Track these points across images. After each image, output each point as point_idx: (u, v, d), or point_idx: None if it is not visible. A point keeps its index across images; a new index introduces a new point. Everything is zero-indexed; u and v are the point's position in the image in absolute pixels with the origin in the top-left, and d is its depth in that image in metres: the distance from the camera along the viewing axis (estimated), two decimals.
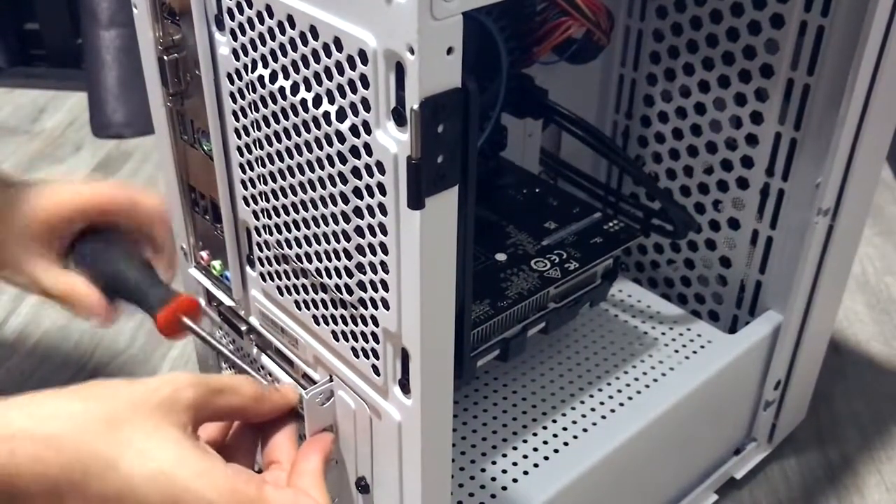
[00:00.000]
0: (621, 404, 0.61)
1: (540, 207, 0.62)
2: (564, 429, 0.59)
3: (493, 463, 0.57)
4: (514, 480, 0.56)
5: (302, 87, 0.38)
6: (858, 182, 0.61)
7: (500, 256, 0.56)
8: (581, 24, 0.58)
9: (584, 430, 0.59)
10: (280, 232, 0.44)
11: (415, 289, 0.37)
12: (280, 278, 0.46)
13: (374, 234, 0.38)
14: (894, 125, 0.61)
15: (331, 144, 0.37)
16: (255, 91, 0.41)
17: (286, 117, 0.39)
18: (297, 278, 0.45)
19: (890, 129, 0.62)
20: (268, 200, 0.43)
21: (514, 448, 0.58)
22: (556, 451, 0.57)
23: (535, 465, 0.56)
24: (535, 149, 0.72)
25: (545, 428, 0.59)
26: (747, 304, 0.69)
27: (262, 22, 0.39)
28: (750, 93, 0.63)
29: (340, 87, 0.36)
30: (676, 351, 0.66)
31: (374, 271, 0.39)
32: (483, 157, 0.62)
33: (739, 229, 0.68)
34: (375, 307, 0.40)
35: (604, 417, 0.60)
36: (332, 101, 0.37)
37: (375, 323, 0.40)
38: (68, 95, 1.37)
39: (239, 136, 0.44)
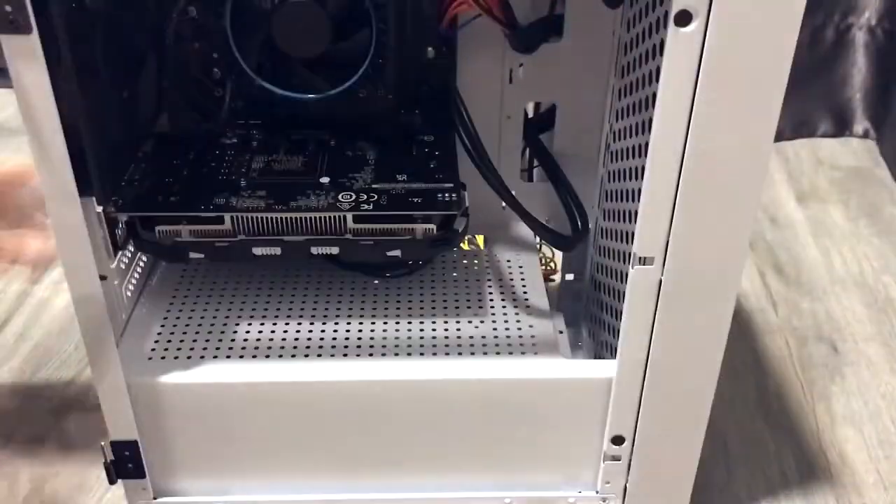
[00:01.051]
0: (394, 353, 0.64)
1: (416, 163, 0.64)
2: (305, 347, 0.65)
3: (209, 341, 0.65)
4: (202, 359, 0.63)
5: None
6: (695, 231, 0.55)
7: (325, 180, 0.62)
8: (472, 7, 0.62)
9: (318, 355, 0.64)
10: None
11: None
12: None
13: None
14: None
15: None
16: None
17: None
18: None
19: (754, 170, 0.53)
20: None
21: (234, 334, 0.65)
22: (266, 356, 0.64)
23: (228, 357, 0.64)
24: (515, 132, 0.73)
25: (284, 333, 0.66)
26: None
27: None
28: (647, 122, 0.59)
29: None
30: (497, 344, 0.65)
31: None
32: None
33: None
34: None
35: (345, 356, 0.64)
36: None
37: None
38: None
39: None
